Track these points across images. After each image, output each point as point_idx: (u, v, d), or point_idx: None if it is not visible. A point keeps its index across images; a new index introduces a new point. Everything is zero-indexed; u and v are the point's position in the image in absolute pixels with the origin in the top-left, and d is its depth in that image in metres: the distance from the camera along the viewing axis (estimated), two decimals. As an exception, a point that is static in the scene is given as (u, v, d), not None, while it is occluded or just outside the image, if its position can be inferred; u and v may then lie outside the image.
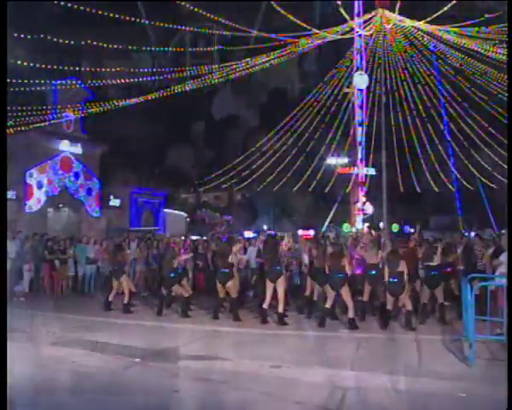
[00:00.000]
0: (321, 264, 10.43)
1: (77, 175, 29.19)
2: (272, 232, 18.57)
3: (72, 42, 17.30)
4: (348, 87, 30.53)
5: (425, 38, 28.92)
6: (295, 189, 34.64)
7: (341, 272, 9.83)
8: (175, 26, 19.97)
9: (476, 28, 24.85)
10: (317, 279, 10.67)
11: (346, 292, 9.80)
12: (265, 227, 40.51)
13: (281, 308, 10.12)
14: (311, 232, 22.69)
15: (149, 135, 39.00)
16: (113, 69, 19.54)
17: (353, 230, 24.61)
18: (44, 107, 22.80)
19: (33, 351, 7.63)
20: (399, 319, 10.11)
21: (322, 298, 10.59)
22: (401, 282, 9.52)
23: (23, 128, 21.52)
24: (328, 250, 10.51)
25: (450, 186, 33.64)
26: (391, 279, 9.61)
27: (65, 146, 28.42)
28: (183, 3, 19.17)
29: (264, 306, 10.23)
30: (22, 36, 15.81)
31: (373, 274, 10.52)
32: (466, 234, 17.44)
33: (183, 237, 16.44)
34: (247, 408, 5.17)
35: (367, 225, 28.87)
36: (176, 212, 40.20)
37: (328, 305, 9.93)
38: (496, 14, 22.76)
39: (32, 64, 17.87)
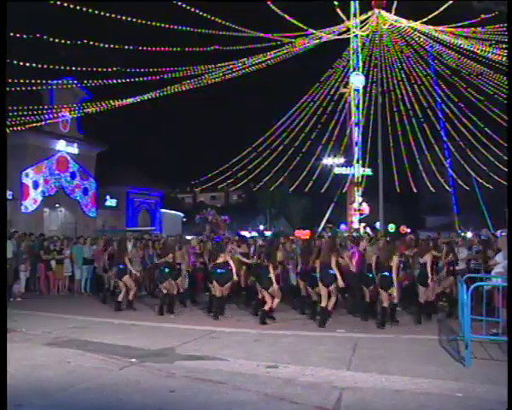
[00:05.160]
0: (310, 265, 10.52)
1: (73, 175, 29.15)
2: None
3: (69, 42, 17.23)
4: (345, 87, 30.58)
5: (422, 38, 28.97)
6: (291, 189, 34.68)
7: (332, 269, 9.87)
8: (172, 26, 19.89)
9: (472, 29, 24.92)
10: (307, 281, 10.76)
11: (333, 290, 10.00)
12: (262, 227, 40.39)
13: (267, 306, 10.16)
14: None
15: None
16: (111, 69, 19.47)
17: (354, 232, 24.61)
18: (41, 107, 22.75)
19: (29, 351, 7.61)
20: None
21: (318, 298, 10.59)
22: (391, 276, 9.65)
23: (19, 128, 21.44)
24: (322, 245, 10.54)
25: (447, 186, 33.71)
26: (382, 273, 9.73)
27: (61, 146, 28.38)
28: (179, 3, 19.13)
29: (266, 308, 10.22)
30: (18, 35, 15.69)
31: (367, 276, 10.63)
32: (462, 234, 17.50)
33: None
34: (244, 408, 5.16)
35: (363, 225, 28.95)
36: (172, 212, 40.21)
37: (323, 304, 9.94)
38: (492, 14, 22.82)
39: (28, 64, 17.78)
